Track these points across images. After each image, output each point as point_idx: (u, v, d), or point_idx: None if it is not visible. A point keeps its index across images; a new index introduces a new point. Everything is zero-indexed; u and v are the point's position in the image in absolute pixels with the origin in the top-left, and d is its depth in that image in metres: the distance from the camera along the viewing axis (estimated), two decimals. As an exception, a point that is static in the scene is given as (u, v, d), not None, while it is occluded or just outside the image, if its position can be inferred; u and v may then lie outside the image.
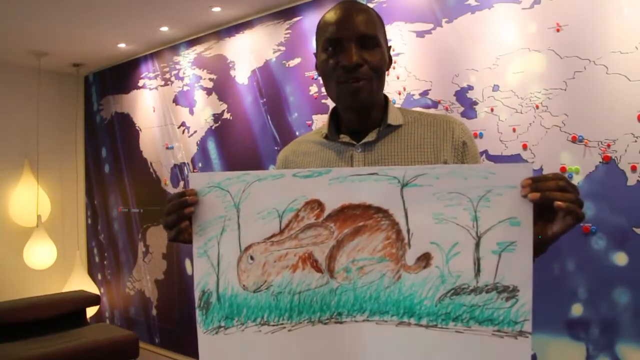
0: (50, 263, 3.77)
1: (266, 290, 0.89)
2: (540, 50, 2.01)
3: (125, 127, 4.01)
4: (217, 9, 3.01)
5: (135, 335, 3.27)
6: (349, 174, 0.88)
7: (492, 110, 2.14)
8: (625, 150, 1.82)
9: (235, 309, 0.90)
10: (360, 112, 1.06)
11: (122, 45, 3.67)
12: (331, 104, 1.13)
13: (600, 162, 1.87)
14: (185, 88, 3.53)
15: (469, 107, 2.22)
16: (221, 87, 3.30)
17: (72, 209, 4.30)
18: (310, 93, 2.80)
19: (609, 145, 1.86)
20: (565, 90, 1.95)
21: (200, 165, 3.43)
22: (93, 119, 4.35)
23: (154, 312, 3.75)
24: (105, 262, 4.22)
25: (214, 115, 3.33)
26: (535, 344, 1.95)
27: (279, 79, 2.97)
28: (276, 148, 2.97)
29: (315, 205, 0.88)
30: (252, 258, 0.90)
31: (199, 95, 3.43)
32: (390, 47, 1.11)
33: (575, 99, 1.93)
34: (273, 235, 0.89)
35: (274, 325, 0.89)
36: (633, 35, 1.80)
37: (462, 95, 2.24)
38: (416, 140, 1.06)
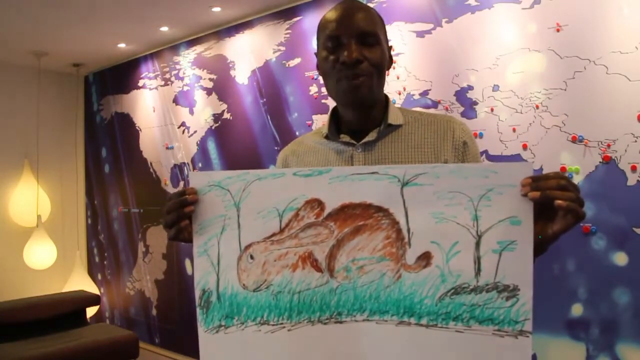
0: (50, 263, 3.77)
1: (266, 290, 0.89)
2: (540, 50, 2.01)
3: (125, 127, 4.01)
4: (217, 9, 3.01)
5: (135, 335, 3.27)
6: (349, 173, 0.88)
7: (492, 110, 2.14)
8: (625, 150, 1.82)
9: (235, 308, 0.90)
10: (360, 110, 1.06)
11: (122, 45, 3.67)
12: (331, 103, 1.13)
13: (600, 162, 1.87)
14: (185, 88, 3.53)
15: (469, 107, 2.22)
16: (221, 87, 3.30)
17: (72, 209, 4.30)
18: (310, 93, 2.80)
19: (609, 145, 1.86)
20: (565, 90, 1.95)
21: (200, 165, 3.43)
22: (93, 119, 4.35)
23: (154, 312, 3.75)
24: (105, 262, 4.21)
25: (214, 115, 3.33)
26: (535, 344, 1.95)
27: (279, 79, 2.97)
28: (276, 148, 2.97)
29: (316, 204, 0.88)
30: (252, 257, 0.90)
31: (199, 95, 3.43)
32: (390, 47, 1.11)
33: (575, 99, 1.93)
34: (273, 235, 0.89)
35: (273, 325, 0.89)
36: (633, 35, 1.80)
37: (462, 95, 2.24)
38: (416, 140, 1.06)
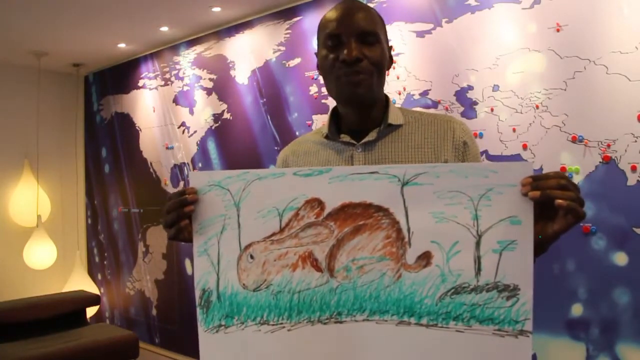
0: (50, 263, 3.77)
1: (266, 289, 0.89)
2: (540, 50, 2.01)
3: (125, 127, 4.01)
4: (217, 9, 3.01)
5: (135, 335, 3.27)
6: (349, 173, 0.88)
7: (492, 110, 2.14)
8: (625, 150, 1.82)
9: (235, 308, 0.90)
10: (359, 108, 1.06)
11: (122, 45, 3.67)
12: (331, 103, 1.13)
13: (600, 162, 1.87)
14: (185, 88, 3.53)
15: (469, 107, 2.22)
16: (221, 87, 3.30)
17: (72, 209, 4.30)
18: (310, 93, 2.80)
19: (609, 145, 1.86)
20: (565, 90, 1.95)
21: (200, 165, 3.43)
22: (93, 119, 4.35)
23: (154, 312, 3.75)
24: (105, 262, 4.21)
25: (214, 115, 3.33)
26: (535, 344, 1.95)
27: (279, 79, 2.97)
28: (276, 148, 2.97)
29: (316, 203, 0.88)
30: (252, 257, 0.90)
31: (199, 95, 3.43)
32: (391, 47, 1.11)
33: (575, 99, 1.93)
34: (273, 234, 0.89)
35: (273, 325, 0.89)
36: (633, 35, 1.80)
37: (462, 95, 2.24)
38: (417, 140, 1.06)
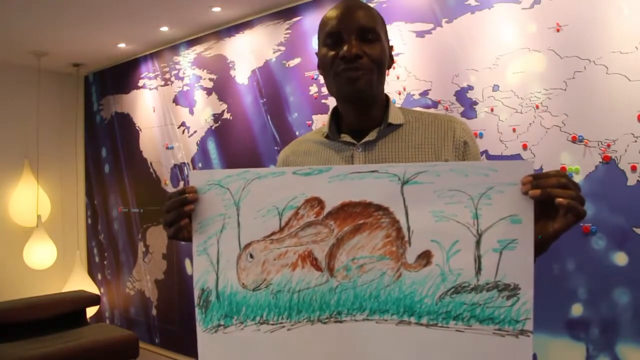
0: (50, 263, 3.77)
1: (265, 289, 0.89)
2: (540, 50, 2.01)
3: (125, 127, 4.01)
4: (217, 9, 3.01)
5: (135, 335, 3.27)
6: (349, 172, 0.88)
7: (492, 110, 2.14)
8: (625, 150, 1.82)
9: (235, 308, 0.90)
10: (359, 105, 1.06)
11: (122, 45, 3.67)
12: (331, 103, 1.12)
13: (600, 162, 1.87)
14: (185, 88, 3.53)
15: (469, 107, 2.21)
16: (221, 87, 3.30)
17: (72, 209, 4.30)
18: (310, 93, 2.80)
19: (609, 145, 1.85)
20: (565, 90, 1.95)
21: (200, 165, 3.43)
22: (93, 119, 4.35)
23: (154, 312, 3.75)
24: (105, 262, 4.21)
25: (214, 115, 3.33)
26: (535, 344, 1.94)
27: (279, 79, 2.97)
28: (276, 148, 2.97)
29: (315, 202, 0.88)
30: (251, 256, 0.89)
31: (199, 95, 3.43)
32: (391, 47, 1.11)
33: (575, 99, 1.93)
34: (273, 233, 0.89)
35: (273, 324, 0.88)
36: (633, 35, 1.80)
37: (462, 95, 2.23)
38: (417, 139, 1.06)
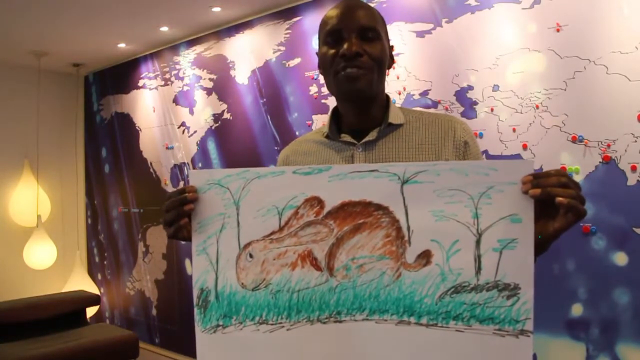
0: (50, 263, 3.77)
1: (265, 289, 0.89)
2: (540, 50, 2.01)
3: (125, 127, 4.01)
4: (217, 9, 3.00)
5: (135, 335, 3.26)
6: (349, 171, 0.88)
7: (492, 110, 2.14)
8: (625, 150, 1.82)
9: (234, 308, 0.89)
10: (359, 104, 1.06)
11: (122, 45, 3.67)
12: (331, 103, 1.12)
13: (600, 162, 1.87)
14: (185, 88, 3.53)
15: (469, 107, 2.21)
16: (221, 87, 3.30)
17: (72, 209, 4.30)
18: (310, 93, 2.80)
19: (609, 145, 1.85)
20: (565, 90, 1.95)
21: (200, 165, 3.43)
22: (93, 119, 4.35)
23: (154, 312, 3.74)
24: (105, 262, 4.21)
25: (214, 115, 3.33)
26: (535, 344, 1.94)
27: (279, 79, 2.97)
28: (276, 148, 2.97)
29: (315, 202, 0.87)
30: (251, 256, 0.89)
31: (199, 95, 3.43)
32: (392, 47, 1.11)
33: (575, 99, 1.93)
34: (272, 233, 0.89)
35: (272, 324, 0.88)
36: (633, 35, 1.80)
37: (462, 95, 2.23)
38: (417, 139, 1.05)
